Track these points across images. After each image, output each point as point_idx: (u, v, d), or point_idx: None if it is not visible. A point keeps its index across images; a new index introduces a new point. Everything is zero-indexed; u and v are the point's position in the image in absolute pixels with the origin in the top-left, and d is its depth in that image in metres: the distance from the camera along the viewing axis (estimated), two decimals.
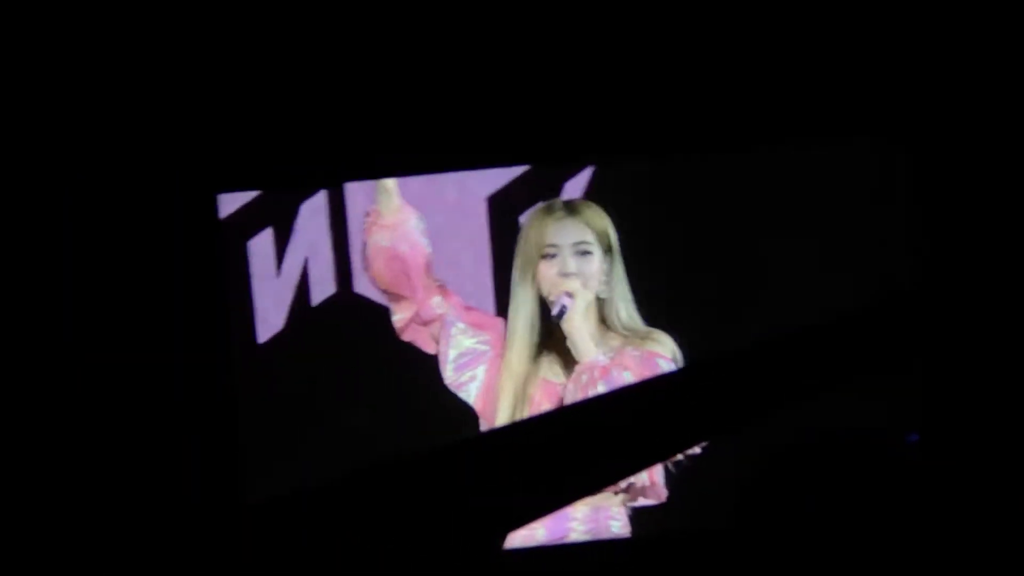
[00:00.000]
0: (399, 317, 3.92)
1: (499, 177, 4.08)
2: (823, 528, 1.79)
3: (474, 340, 3.88)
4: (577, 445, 1.62)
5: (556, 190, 4.05)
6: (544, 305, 3.81)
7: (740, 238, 4.02)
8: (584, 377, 3.72)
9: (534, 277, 3.80)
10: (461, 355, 3.91)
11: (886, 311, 1.75)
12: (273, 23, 3.97)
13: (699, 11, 3.97)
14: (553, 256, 3.79)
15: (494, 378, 3.86)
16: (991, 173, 3.90)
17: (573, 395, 3.71)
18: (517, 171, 4.07)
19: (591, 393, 3.70)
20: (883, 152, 3.97)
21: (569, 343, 3.78)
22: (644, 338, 3.83)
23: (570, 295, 3.75)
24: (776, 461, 1.86)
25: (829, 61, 3.97)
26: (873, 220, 3.99)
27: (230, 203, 4.05)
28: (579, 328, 3.76)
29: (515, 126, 4.01)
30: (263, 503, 1.54)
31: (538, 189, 4.03)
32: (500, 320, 3.93)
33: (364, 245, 3.93)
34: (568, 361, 3.83)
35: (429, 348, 3.94)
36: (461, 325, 3.89)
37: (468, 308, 3.92)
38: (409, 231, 3.88)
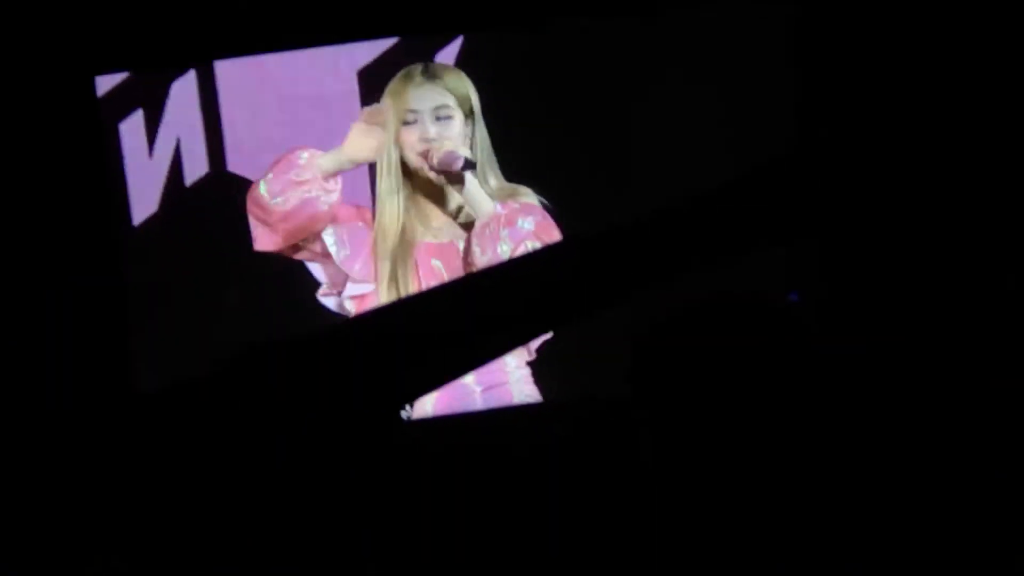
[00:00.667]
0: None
1: (369, 51, 4.05)
2: (713, 390, 1.80)
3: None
4: (473, 313, 1.62)
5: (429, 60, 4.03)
6: (407, 171, 3.85)
7: (614, 103, 4.02)
8: (488, 229, 3.75)
9: (396, 142, 3.82)
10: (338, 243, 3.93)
11: (766, 175, 1.75)
12: None
13: None
14: (413, 122, 3.82)
15: (371, 251, 3.88)
16: (871, 33, 3.91)
17: (480, 246, 3.75)
18: (387, 43, 4.04)
19: (499, 243, 3.73)
20: (764, 12, 3.97)
21: (465, 196, 3.80)
22: (512, 194, 3.87)
23: (453, 151, 3.78)
24: (664, 324, 1.87)
25: None
26: (753, 81, 3.99)
27: (104, 85, 3.99)
28: (472, 180, 3.80)
29: None
30: (154, 392, 1.53)
31: (409, 61, 3.99)
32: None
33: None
34: (441, 221, 3.89)
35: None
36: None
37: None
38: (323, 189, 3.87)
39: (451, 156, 3.77)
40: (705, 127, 3.99)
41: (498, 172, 3.89)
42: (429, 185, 3.87)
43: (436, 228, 3.90)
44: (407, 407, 3.82)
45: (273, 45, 3.97)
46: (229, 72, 4.05)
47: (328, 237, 3.89)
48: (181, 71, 4.04)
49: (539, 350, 3.95)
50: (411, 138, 3.82)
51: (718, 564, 1.75)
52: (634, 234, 1.70)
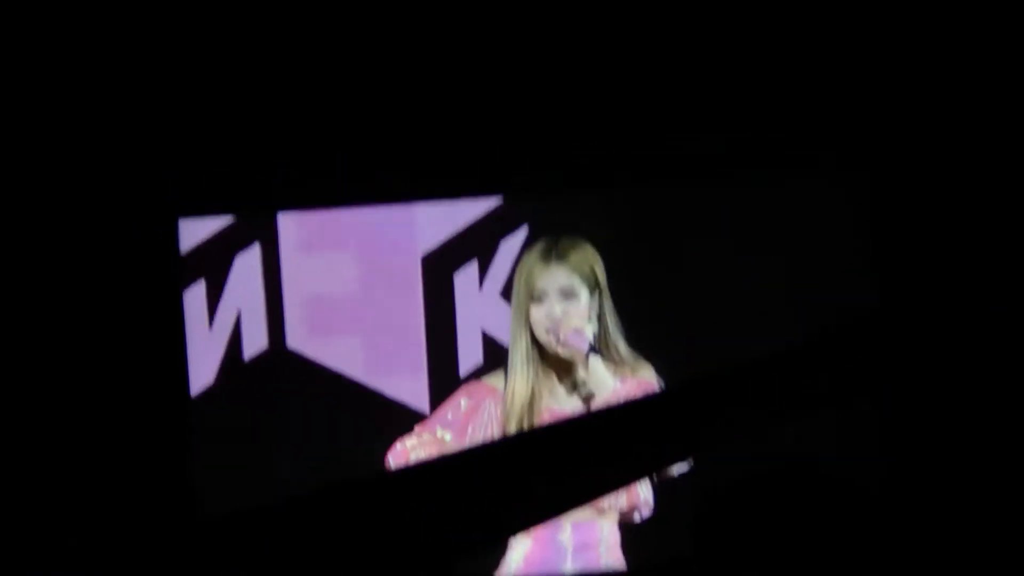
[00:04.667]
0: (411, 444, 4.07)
1: (435, 231, 4.08)
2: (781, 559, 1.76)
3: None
4: (559, 458, 1.57)
5: (493, 246, 4.06)
6: (537, 344, 4.04)
7: (711, 267, 4.13)
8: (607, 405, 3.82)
9: (527, 319, 4.03)
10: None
11: (847, 336, 1.73)
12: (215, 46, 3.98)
13: (666, 44, 4.04)
14: (541, 301, 4.04)
15: (499, 421, 4.07)
16: (949, 198, 3.97)
17: None
18: (453, 228, 4.08)
19: None
20: (848, 181, 4.08)
21: (588, 372, 4.02)
22: (635, 368, 4.05)
23: (580, 330, 4.00)
24: (732, 490, 1.84)
25: (797, 93, 4.05)
26: (840, 247, 4.08)
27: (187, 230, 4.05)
28: (595, 359, 4.03)
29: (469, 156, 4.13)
30: (221, 521, 1.47)
31: (472, 249, 4.08)
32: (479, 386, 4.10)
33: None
34: (567, 391, 4.06)
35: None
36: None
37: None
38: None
39: (578, 339, 4.00)
40: (785, 293, 4.08)
41: (623, 341, 4.05)
42: (556, 358, 4.05)
43: (561, 396, 4.06)
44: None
45: (341, 200, 4.05)
46: (291, 246, 4.07)
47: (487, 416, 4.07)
48: (247, 241, 4.06)
49: (626, 517, 4.04)
50: (539, 315, 4.03)
51: None
52: (716, 388, 1.68)
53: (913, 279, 3.96)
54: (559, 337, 3.99)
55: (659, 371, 4.05)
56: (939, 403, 3.87)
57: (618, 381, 4.01)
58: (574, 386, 4.04)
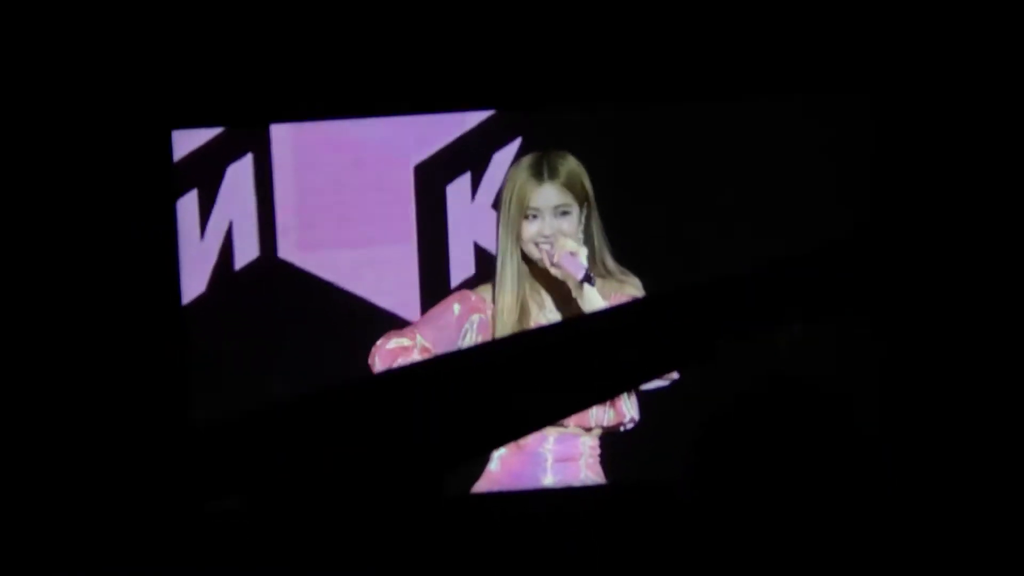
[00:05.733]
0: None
1: (428, 140, 4.09)
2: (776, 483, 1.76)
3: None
4: (545, 367, 1.56)
5: (486, 159, 4.07)
6: (528, 261, 3.97)
7: (703, 185, 4.15)
8: None
9: (518, 236, 3.96)
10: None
11: (840, 250, 1.72)
12: None
13: None
14: (534, 218, 3.95)
15: (486, 335, 4.01)
16: (946, 130, 3.97)
17: None
18: (445, 139, 4.08)
19: None
20: (847, 105, 4.07)
21: (579, 299, 3.94)
22: (623, 282, 4.02)
23: (574, 253, 3.92)
24: (722, 412, 1.83)
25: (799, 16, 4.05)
26: (836, 170, 4.08)
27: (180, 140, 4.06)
28: (589, 287, 3.94)
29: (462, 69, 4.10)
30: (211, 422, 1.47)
31: (467, 160, 4.07)
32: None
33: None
34: (555, 306, 4.02)
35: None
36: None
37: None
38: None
39: (572, 264, 3.92)
40: (785, 210, 4.08)
41: (610, 255, 4.02)
42: (548, 277, 3.99)
43: (550, 311, 4.04)
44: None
45: (335, 112, 4.03)
46: (284, 158, 4.06)
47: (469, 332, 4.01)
48: (238, 152, 4.06)
49: (610, 431, 4.01)
50: (531, 232, 3.95)
51: None
52: (705, 294, 1.68)
53: (910, 203, 3.95)
54: (553, 258, 3.95)
55: (646, 287, 4.02)
56: (933, 326, 3.88)
57: (606, 303, 3.94)
58: (565, 303, 4.01)
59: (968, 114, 3.98)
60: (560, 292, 4.01)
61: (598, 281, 3.95)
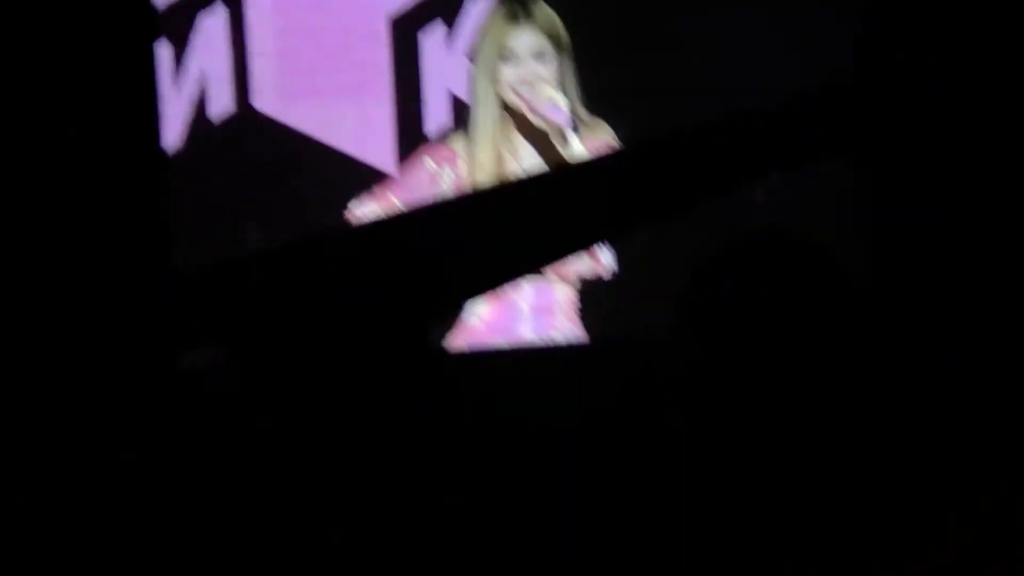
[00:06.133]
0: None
1: None
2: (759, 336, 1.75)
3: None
4: (523, 217, 1.56)
5: (459, 9, 4.05)
6: (506, 108, 3.88)
7: (676, 28, 4.14)
8: None
9: (495, 80, 3.87)
10: None
11: (822, 97, 1.71)
12: None
13: None
14: (512, 61, 3.86)
15: (463, 182, 3.94)
16: None
17: None
18: None
19: None
20: None
21: (560, 148, 3.85)
22: (595, 130, 3.93)
23: (555, 102, 3.84)
24: (708, 264, 1.81)
25: None
26: (815, 14, 4.05)
27: None
28: (572, 135, 3.89)
29: None
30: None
31: (442, 11, 4.04)
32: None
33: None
34: (532, 154, 3.93)
35: None
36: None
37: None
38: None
39: (554, 112, 3.84)
40: (765, 58, 4.06)
41: (581, 104, 3.92)
42: (526, 125, 3.89)
43: (526, 161, 3.95)
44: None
45: None
46: (257, 7, 4.03)
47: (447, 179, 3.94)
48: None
49: (587, 280, 3.98)
50: (510, 76, 3.85)
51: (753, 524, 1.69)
52: (686, 143, 1.67)
53: (898, 47, 3.93)
54: (532, 105, 3.88)
55: (617, 135, 3.96)
56: (921, 171, 3.87)
57: (584, 149, 3.89)
58: (542, 151, 3.94)
59: None
60: (539, 141, 3.97)
61: (576, 121, 3.92)
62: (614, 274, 3.99)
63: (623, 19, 4.09)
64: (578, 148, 3.86)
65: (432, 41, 4.10)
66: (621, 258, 4.00)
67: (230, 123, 4.07)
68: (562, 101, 3.86)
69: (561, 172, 1.74)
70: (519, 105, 3.89)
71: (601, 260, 3.97)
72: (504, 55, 3.87)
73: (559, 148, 3.89)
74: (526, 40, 3.88)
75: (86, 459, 1.31)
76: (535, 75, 3.87)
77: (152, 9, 3.91)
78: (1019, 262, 3.65)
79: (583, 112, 3.96)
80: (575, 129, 3.86)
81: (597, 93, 4.00)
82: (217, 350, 1.42)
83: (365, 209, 3.89)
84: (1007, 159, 3.72)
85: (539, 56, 3.89)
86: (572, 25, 3.98)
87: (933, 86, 1.76)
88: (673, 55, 4.09)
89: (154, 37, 3.97)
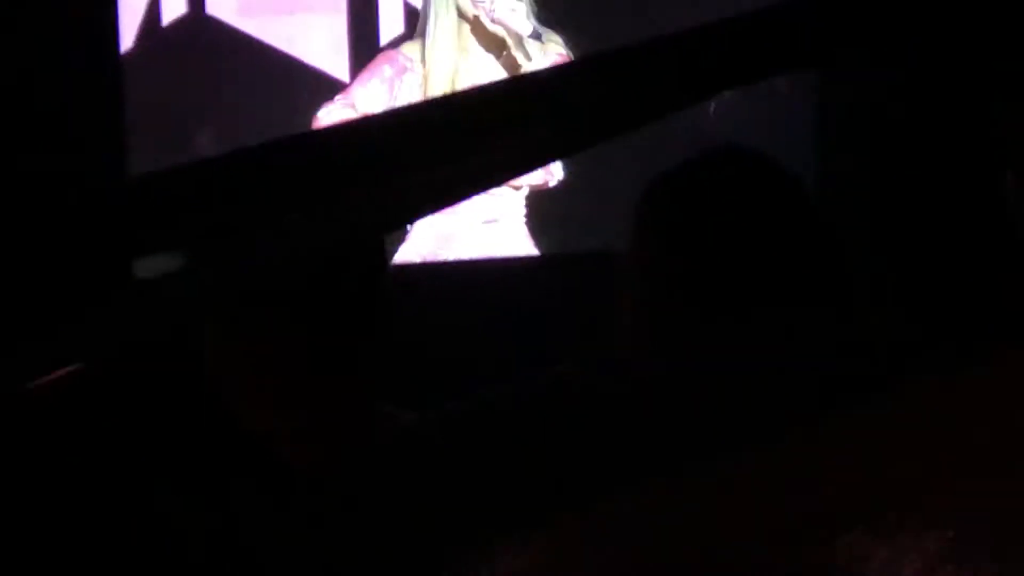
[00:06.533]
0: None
1: None
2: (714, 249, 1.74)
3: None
4: (476, 130, 1.54)
5: None
6: (463, 16, 3.91)
7: None
8: None
9: None
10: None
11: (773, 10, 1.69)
12: None
13: None
14: None
15: (419, 91, 3.96)
16: None
17: None
18: None
19: None
20: None
21: (520, 58, 3.91)
22: (547, 41, 3.97)
23: (515, 10, 3.90)
24: (665, 177, 1.81)
25: None
26: None
27: None
28: (533, 44, 3.95)
29: None
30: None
31: None
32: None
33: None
34: (489, 63, 3.96)
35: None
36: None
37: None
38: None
39: (517, 21, 3.88)
40: None
41: (534, 14, 3.96)
42: (485, 34, 3.93)
43: (484, 70, 3.95)
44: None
45: None
46: None
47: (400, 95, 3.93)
48: None
49: (537, 189, 4.03)
50: None
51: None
52: (645, 53, 1.65)
53: None
54: (492, 14, 3.90)
55: (568, 44, 3.99)
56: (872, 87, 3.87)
57: (541, 56, 3.93)
58: (499, 60, 3.96)
59: None
60: (497, 51, 3.96)
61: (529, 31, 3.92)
62: (565, 184, 3.99)
63: None
64: (538, 58, 3.85)
65: None
66: (572, 168, 4.00)
67: (182, 28, 4.03)
68: (521, 8, 3.85)
69: (514, 83, 1.73)
70: (476, 14, 3.88)
71: (549, 168, 3.97)
72: None
73: (517, 57, 3.88)
74: None
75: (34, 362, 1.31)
76: None
77: None
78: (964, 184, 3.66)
79: (536, 23, 3.95)
80: (538, 37, 3.86)
81: (550, 4, 3.99)
82: (170, 257, 1.41)
83: (332, 117, 3.89)
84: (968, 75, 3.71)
85: None
86: None
87: None
88: None
89: None
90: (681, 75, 1.68)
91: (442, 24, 3.91)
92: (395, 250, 3.97)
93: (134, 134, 3.98)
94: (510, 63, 3.92)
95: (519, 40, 3.88)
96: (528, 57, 3.87)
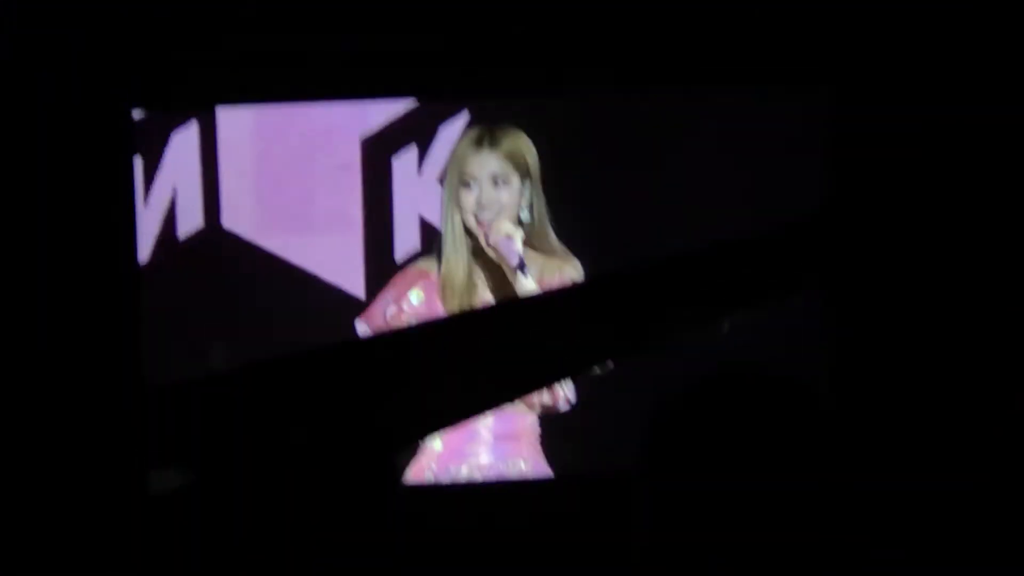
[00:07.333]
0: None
1: (375, 116, 4.07)
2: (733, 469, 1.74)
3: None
4: (489, 348, 1.55)
5: (431, 133, 4.06)
6: (468, 230, 3.99)
7: (656, 168, 4.14)
8: None
9: (459, 204, 3.98)
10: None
11: (790, 234, 1.71)
12: None
13: None
14: (471, 187, 3.98)
15: (434, 305, 4.02)
16: (903, 128, 3.98)
17: None
18: (395, 109, 4.09)
19: None
20: (802, 99, 4.09)
21: (512, 284, 3.97)
22: (563, 262, 4.03)
23: (510, 237, 3.94)
24: (681, 399, 1.81)
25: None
26: (794, 159, 4.10)
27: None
28: (523, 276, 3.97)
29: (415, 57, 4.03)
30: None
31: (415, 132, 4.09)
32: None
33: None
34: (492, 286, 4.03)
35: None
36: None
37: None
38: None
39: (507, 248, 3.94)
40: (734, 200, 4.08)
41: (552, 233, 4.04)
42: (480, 250, 4.02)
43: (487, 290, 4.02)
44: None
45: (279, 96, 3.97)
46: (230, 127, 4.03)
47: (415, 300, 4.03)
48: (184, 118, 4.01)
49: (551, 414, 4.04)
50: (468, 201, 3.97)
51: None
52: (647, 276, 1.66)
53: (864, 190, 3.96)
54: (488, 237, 3.95)
55: (587, 266, 4.03)
56: (883, 309, 3.90)
57: (537, 286, 3.96)
58: (500, 292, 3.99)
59: (925, 108, 3.99)
60: (495, 274, 4.00)
61: (539, 259, 3.97)
62: (573, 405, 3.99)
63: (598, 150, 4.11)
64: (529, 286, 3.89)
65: (403, 164, 4.12)
66: (584, 388, 4.00)
67: (199, 240, 4.06)
68: (517, 237, 3.91)
69: (528, 303, 1.73)
70: (477, 233, 3.94)
71: (558, 391, 3.98)
72: (464, 180, 3.95)
73: (512, 283, 3.92)
74: (486, 165, 3.96)
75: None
76: (492, 201, 3.94)
77: (130, 124, 3.94)
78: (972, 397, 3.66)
79: (555, 243, 3.99)
80: (523, 269, 3.90)
81: (569, 222, 4.04)
82: (184, 470, 1.40)
83: (361, 330, 3.95)
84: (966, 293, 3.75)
85: (498, 182, 3.95)
86: (548, 153, 4.03)
87: (898, 224, 1.77)
88: (645, 187, 4.11)
89: (131, 152, 3.98)
90: (692, 297, 1.68)
91: (450, 241, 3.98)
92: (406, 466, 3.96)
93: (150, 344, 3.98)
94: (501, 284, 3.96)
95: (512, 271, 3.92)
96: (517, 281, 3.92)
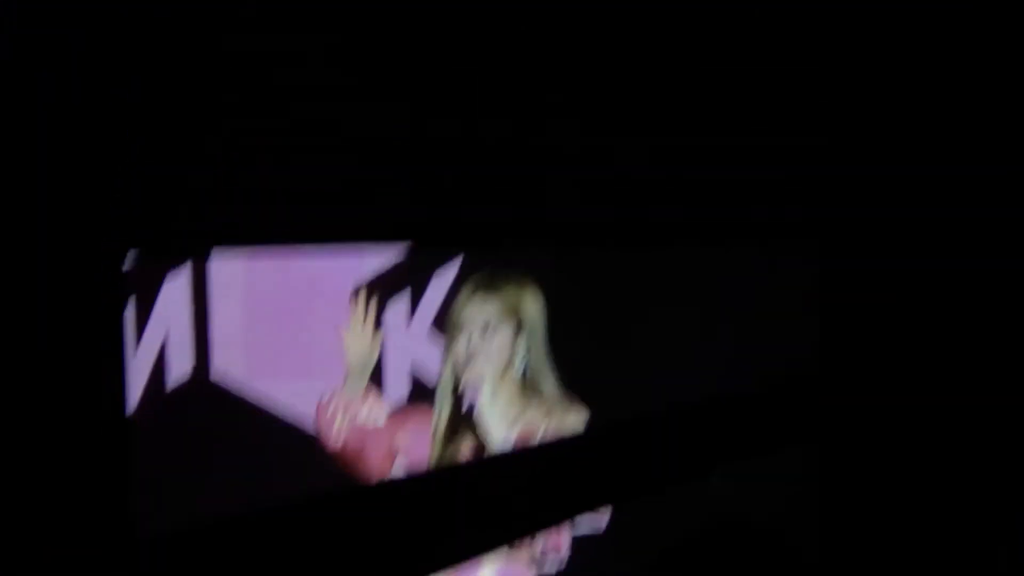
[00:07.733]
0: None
1: (366, 265, 4.08)
2: None
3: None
4: (484, 499, 1.54)
5: (424, 281, 4.07)
6: (456, 379, 4.00)
7: (655, 322, 4.20)
8: None
9: (450, 352, 4.01)
10: None
11: (784, 389, 1.72)
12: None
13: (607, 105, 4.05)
14: (460, 334, 3.99)
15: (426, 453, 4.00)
16: (892, 266, 4.05)
17: None
18: (387, 258, 4.08)
19: None
20: (799, 253, 4.20)
21: (479, 427, 3.98)
22: (566, 410, 4.02)
23: (476, 387, 3.96)
24: (677, 551, 1.82)
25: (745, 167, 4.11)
26: (787, 310, 4.18)
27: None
28: (487, 415, 3.95)
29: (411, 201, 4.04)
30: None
31: (406, 280, 4.11)
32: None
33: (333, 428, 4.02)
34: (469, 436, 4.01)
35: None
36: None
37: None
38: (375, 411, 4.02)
39: (472, 395, 3.92)
40: (729, 352, 4.13)
41: (553, 380, 4.02)
42: (458, 401, 4.01)
43: (469, 439, 3.99)
44: None
45: (272, 240, 3.99)
46: (223, 274, 4.03)
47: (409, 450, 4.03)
48: (178, 263, 4.01)
49: (542, 563, 4.01)
50: (458, 350, 3.97)
51: None
52: (645, 427, 1.66)
53: (855, 345, 4.00)
54: (460, 382, 3.97)
55: (592, 414, 4.04)
56: (873, 462, 3.92)
57: (509, 433, 3.95)
58: (471, 442, 4.00)
59: (904, 258, 4.05)
60: (467, 425, 4.01)
61: (533, 405, 3.92)
62: (570, 555, 3.96)
63: (601, 301, 4.13)
64: (496, 435, 3.87)
65: (394, 313, 4.12)
66: (578, 544, 3.98)
67: (188, 389, 4.05)
68: (488, 390, 3.88)
69: (521, 453, 1.73)
70: (456, 385, 3.94)
71: (557, 542, 3.95)
72: (456, 328, 3.97)
73: (477, 428, 3.91)
74: (473, 312, 3.98)
75: None
76: (478, 350, 3.95)
77: (120, 274, 3.94)
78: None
79: (552, 391, 3.99)
80: (469, 414, 3.91)
81: (570, 372, 4.04)
82: None
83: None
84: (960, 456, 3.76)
85: (487, 330, 3.96)
86: (554, 299, 4.03)
87: (890, 374, 1.77)
88: (652, 344, 4.14)
89: (122, 301, 3.97)
90: (687, 448, 1.67)
91: (439, 387, 4.00)
92: None
93: (140, 493, 3.94)
94: (462, 433, 3.97)
95: (470, 416, 3.91)
96: (485, 429, 3.91)
